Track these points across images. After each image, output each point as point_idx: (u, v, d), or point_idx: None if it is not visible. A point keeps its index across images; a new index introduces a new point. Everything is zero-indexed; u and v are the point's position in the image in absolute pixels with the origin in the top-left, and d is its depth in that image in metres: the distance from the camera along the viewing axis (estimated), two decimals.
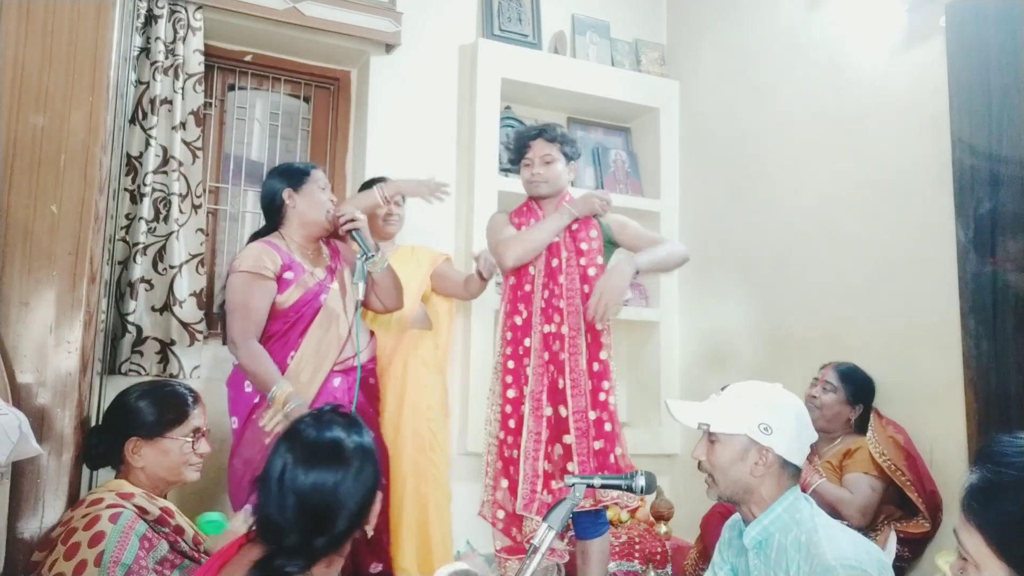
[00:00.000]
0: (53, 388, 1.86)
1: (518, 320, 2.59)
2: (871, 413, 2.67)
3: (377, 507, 1.54)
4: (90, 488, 2.08)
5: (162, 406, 1.98)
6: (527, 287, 2.58)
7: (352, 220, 2.47)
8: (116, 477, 1.96)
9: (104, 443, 1.98)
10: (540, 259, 2.57)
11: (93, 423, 2.14)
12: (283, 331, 2.43)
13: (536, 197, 2.64)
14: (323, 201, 2.51)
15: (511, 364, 2.58)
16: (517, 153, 2.65)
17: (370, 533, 1.58)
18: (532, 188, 2.62)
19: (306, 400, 2.33)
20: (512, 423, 2.54)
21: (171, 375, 2.88)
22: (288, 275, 2.43)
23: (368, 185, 2.89)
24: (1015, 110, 2.39)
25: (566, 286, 2.54)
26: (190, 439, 2.00)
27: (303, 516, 1.43)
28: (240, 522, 1.88)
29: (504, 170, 3.50)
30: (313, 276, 2.48)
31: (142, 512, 1.83)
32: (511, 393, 2.56)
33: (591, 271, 2.56)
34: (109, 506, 1.79)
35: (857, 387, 2.71)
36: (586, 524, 2.53)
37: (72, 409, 1.88)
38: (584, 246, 2.58)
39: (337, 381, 2.47)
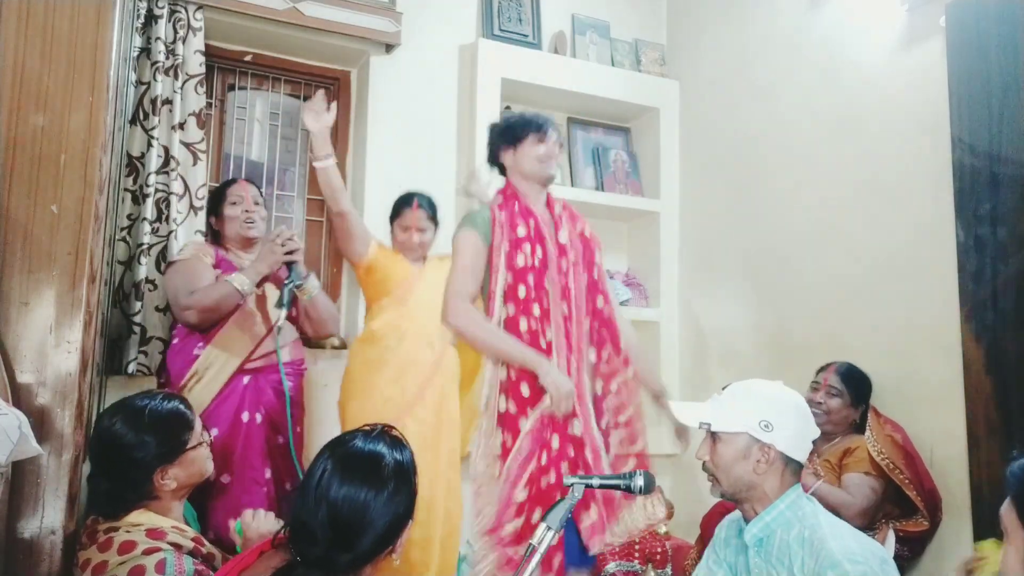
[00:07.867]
0: (53, 388, 1.85)
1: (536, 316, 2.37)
2: (869, 412, 2.67)
3: (406, 536, 1.48)
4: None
5: (171, 426, 1.91)
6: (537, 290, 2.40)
7: (292, 252, 2.55)
8: (137, 505, 1.86)
9: (126, 488, 1.86)
10: (550, 261, 2.39)
11: (87, 463, 1.99)
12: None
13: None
14: (233, 216, 2.71)
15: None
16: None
17: (397, 562, 1.50)
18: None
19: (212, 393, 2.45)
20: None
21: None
22: (216, 271, 2.59)
23: (403, 202, 2.93)
24: (1015, 110, 2.39)
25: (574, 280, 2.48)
26: (204, 438, 1.99)
27: (332, 528, 1.39)
28: (249, 517, 1.81)
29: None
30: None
31: (178, 549, 1.77)
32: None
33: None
34: (146, 552, 1.72)
35: (859, 388, 2.73)
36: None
37: (72, 409, 1.87)
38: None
39: (246, 380, 2.52)
